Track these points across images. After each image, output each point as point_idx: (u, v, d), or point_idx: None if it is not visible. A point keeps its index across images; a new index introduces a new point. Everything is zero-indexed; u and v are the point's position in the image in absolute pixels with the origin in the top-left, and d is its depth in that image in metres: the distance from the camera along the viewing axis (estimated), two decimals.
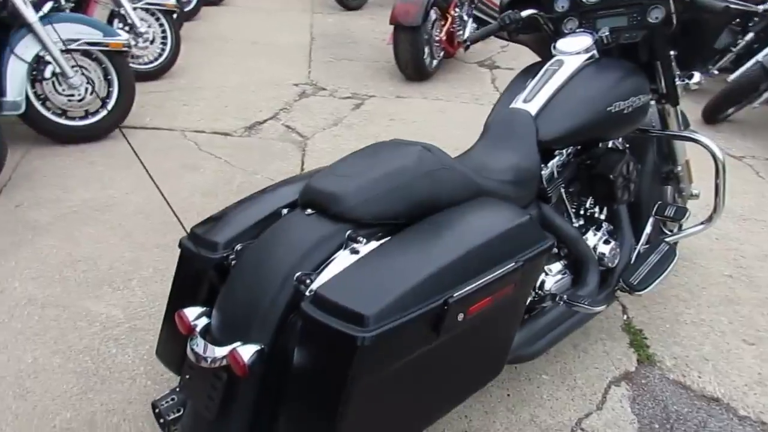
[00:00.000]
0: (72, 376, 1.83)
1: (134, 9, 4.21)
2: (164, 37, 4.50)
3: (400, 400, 1.20)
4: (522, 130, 1.72)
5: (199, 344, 1.21)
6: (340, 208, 1.27)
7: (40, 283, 2.24)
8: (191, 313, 1.29)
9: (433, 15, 4.76)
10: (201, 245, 1.35)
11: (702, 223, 2.13)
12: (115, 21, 4.19)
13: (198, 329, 1.25)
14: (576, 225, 1.90)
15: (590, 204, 1.94)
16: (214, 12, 7.13)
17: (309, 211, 1.32)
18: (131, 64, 4.35)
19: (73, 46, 3.21)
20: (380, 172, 1.34)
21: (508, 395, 1.86)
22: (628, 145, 2.02)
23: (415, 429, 1.33)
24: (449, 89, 4.82)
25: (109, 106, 3.43)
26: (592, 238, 1.91)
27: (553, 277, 1.78)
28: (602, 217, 1.99)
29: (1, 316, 2.07)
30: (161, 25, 4.47)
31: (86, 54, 3.31)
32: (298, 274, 1.18)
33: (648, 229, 2.10)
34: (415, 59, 4.73)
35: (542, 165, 1.73)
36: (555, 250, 1.83)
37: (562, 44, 1.90)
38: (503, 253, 1.25)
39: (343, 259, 1.22)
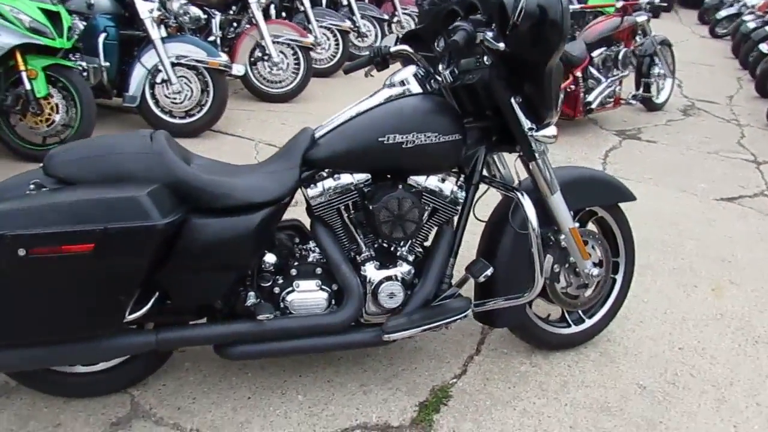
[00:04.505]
0: None
1: (275, 43, 5.02)
2: (297, 69, 5.23)
3: None
4: (297, 147, 1.83)
5: None
6: (46, 164, 1.61)
7: None
8: None
9: None
10: None
11: (516, 297, 1.87)
12: (257, 50, 5.05)
13: None
14: (365, 254, 1.87)
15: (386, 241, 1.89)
16: None
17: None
18: (267, 88, 5.20)
19: (182, 61, 4.07)
20: (97, 145, 1.66)
21: (249, 398, 1.90)
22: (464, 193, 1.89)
23: None
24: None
25: (203, 112, 4.21)
26: (372, 272, 1.85)
27: (299, 293, 1.81)
28: (410, 258, 1.90)
29: None
30: (296, 58, 5.21)
31: (192, 69, 4.14)
32: None
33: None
34: None
35: (312, 184, 1.80)
36: (319, 270, 1.86)
37: (393, 76, 1.93)
38: (91, 216, 1.43)
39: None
